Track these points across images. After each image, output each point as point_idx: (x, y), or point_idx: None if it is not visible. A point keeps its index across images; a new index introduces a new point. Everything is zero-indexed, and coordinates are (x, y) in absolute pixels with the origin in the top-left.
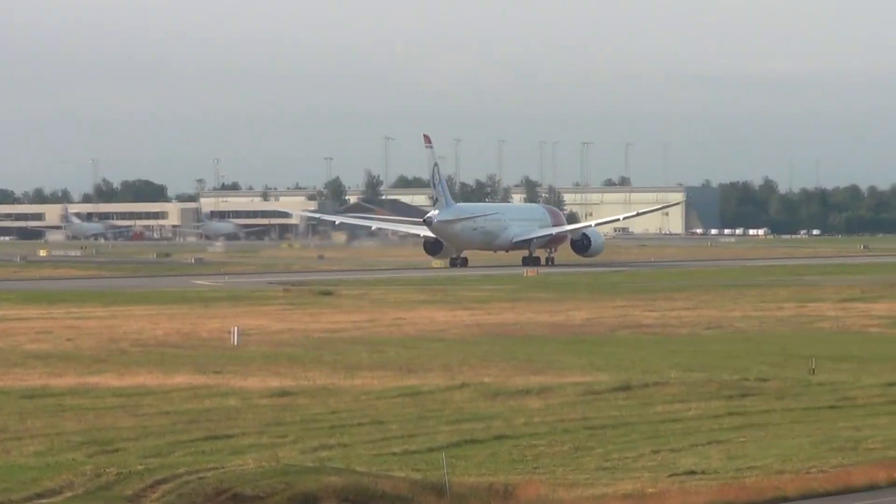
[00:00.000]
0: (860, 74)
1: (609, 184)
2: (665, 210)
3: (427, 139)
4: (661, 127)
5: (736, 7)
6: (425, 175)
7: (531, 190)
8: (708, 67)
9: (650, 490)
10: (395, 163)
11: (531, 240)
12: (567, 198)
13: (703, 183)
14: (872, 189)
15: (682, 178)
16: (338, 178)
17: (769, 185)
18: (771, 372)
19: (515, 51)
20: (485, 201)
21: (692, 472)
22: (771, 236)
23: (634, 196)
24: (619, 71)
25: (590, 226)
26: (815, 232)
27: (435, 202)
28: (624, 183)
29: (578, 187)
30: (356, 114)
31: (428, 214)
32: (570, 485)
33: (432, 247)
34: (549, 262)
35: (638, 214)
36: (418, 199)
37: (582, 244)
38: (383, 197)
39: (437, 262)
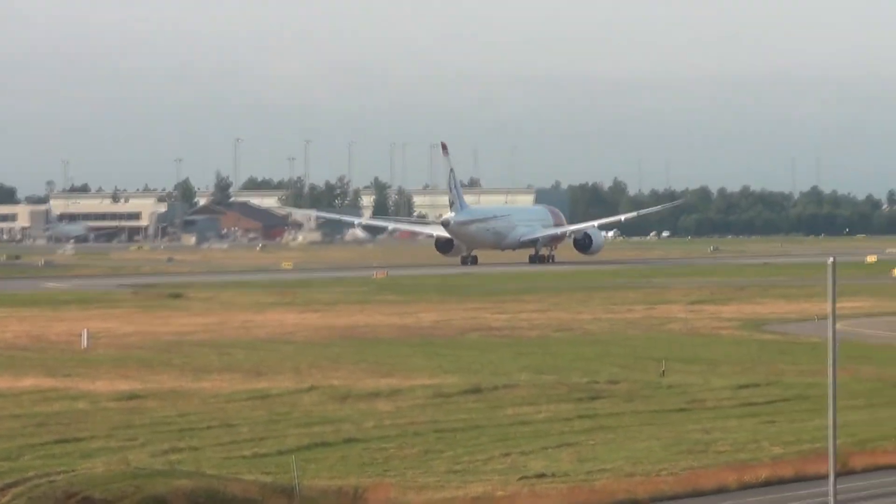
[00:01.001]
0: (708, 76)
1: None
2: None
3: (444, 148)
4: (510, 128)
5: (581, 7)
6: (276, 177)
7: (381, 192)
8: (556, 69)
9: (500, 493)
10: (245, 164)
11: (537, 239)
12: (417, 199)
13: (553, 184)
14: (722, 191)
15: (531, 180)
16: (187, 179)
17: (619, 187)
18: (621, 374)
19: (364, 52)
20: (335, 203)
21: (542, 475)
22: (621, 238)
23: (484, 198)
24: (467, 72)
25: (592, 226)
26: (665, 234)
27: (451, 205)
28: (474, 184)
29: (428, 189)
30: (206, 115)
31: (445, 216)
32: (420, 488)
33: (444, 246)
34: (550, 259)
35: (639, 215)
36: (268, 200)
37: (584, 243)
38: (233, 199)
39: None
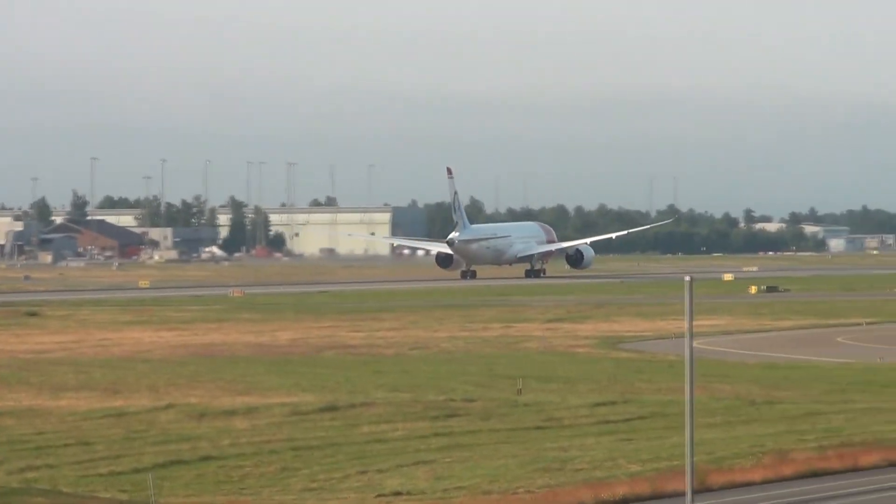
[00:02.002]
0: (567, 94)
1: (315, 204)
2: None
3: (449, 171)
4: (366, 147)
5: (441, 24)
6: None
7: (237, 210)
8: (414, 86)
9: None
10: (102, 183)
11: (532, 255)
12: (273, 218)
13: (410, 203)
14: (579, 209)
15: (388, 199)
16: (43, 198)
17: (475, 206)
18: (477, 392)
19: (220, 70)
20: (192, 222)
21: (398, 493)
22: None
23: (341, 216)
24: (323, 90)
25: (585, 243)
26: None
27: (455, 225)
28: (330, 203)
29: (285, 207)
30: (62, 134)
31: (450, 236)
32: None
33: (443, 261)
34: (542, 273)
35: (629, 233)
36: (125, 219)
37: (576, 258)
38: (89, 217)
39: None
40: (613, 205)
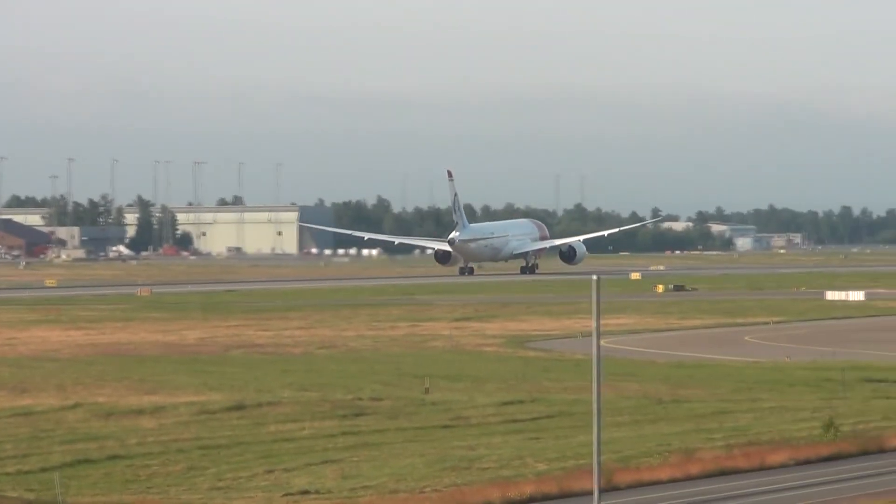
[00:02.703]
0: (475, 93)
1: (222, 203)
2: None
3: (450, 174)
4: (274, 146)
5: (345, 23)
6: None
7: (144, 209)
8: (321, 86)
9: None
10: (9, 182)
11: (528, 252)
12: (181, 217)
13: (317, 202)
14: (486, 208)
15: (295, 198)
16: None
17: (383, 205)
18: (385, 391)
19: (128, 69)
20: (99, 222)
21: (306, 492)
22: (385, 256)
23: (248, 215)
24: (230, 89)
25: (578, 240)
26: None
27: (455, 225)
28: (237, 202)
29: (192, 207)
30: None
31: (451, 235)
32: None
33: (442, 258)
34: (535, 268)
35: (620, 231)
36: (32, 218)
37: (569, 254)
38: None
39: None
40: (521, 203)
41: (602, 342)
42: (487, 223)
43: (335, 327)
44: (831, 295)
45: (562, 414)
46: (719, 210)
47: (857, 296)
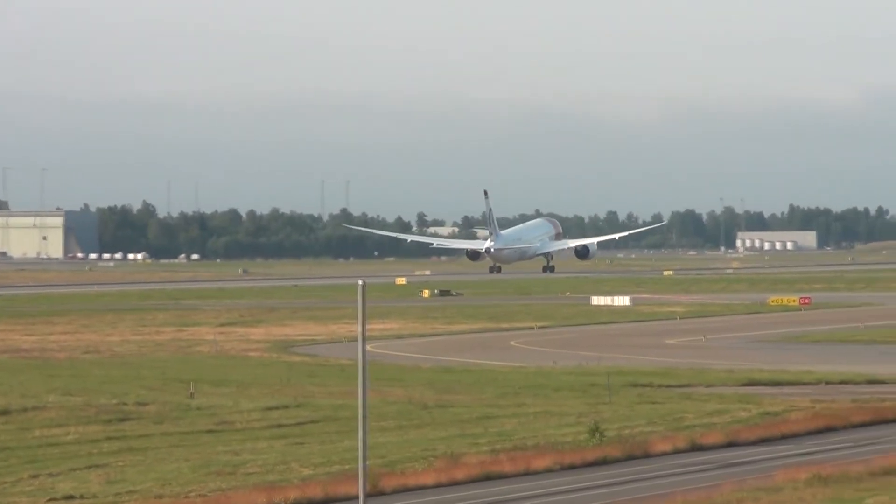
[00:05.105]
0: (238, 98)
1: None
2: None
3: (486, 193)
4: (39, 150)
5: (110, 28)
6: None
7: None
8: (85, 92)
9: None
10: None
11: (548, 253)
12: None
13: (83, 207)
14: (251, 213)
15: (61, 202)
16: None
17: (148, 210)
18: (150, 396)
19: None
20: None
21: (71, 497)
22: (150, 261)
23: (13, 220)
24: None
25: (593, 242)
26: (194, 256)
27: (490, 235)
28: (2, 207)
29: None
30: None
31: (486, 245)
32: None
33: (472, 256)
34: (553, 268)
35: (629, 235)
36: None
37: (583, 252)
38: None
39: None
40: (286, 208)
41: (368, 347)
42: (514, 229)
43: (100, 332)
44: (597, 300)
45: (327, 419)
46: (485, 215)
47: (623, 301)
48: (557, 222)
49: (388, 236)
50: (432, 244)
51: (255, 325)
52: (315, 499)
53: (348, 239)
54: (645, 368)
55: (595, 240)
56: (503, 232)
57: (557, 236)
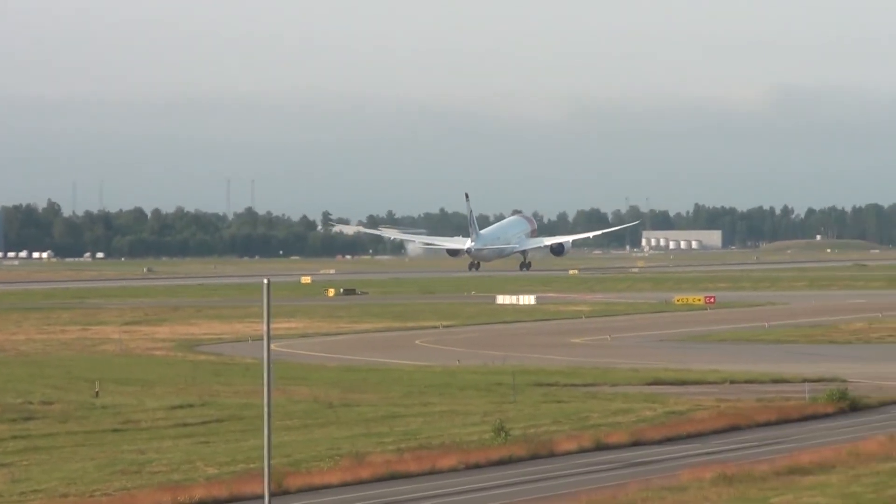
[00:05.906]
0: (144, 97)
1: None
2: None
3: (466, 196)
4: None
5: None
6: None
7: None
8: None
9: None
10: None
11: (525, 251)
12: None
13: None
14: (157, 212)
15: None
16: None
17: (53, 208)
18: (55, 395)
19: None
20: None
21: None
22: (55, 259)
23: None
24: None
25: (568, 240)
26: (99, 255)
27: (470, 235)
28: None
29: None
30: None
31: (468, 245)
32: None
33: (453, 254)
34: (530, 264)
35: (604, 233)
36: None
37: (558, 249)
38: None
39: None
40: (191, 207)
41: (273, 346)
42: (493, 228)
43: (4, 331)
44: (502, 299)
45: (232, 418)
46: (390, 214)
47: (529, 300)
48: (532, 219)
49: (370, 234)
50: (414, 241)
51: (160, 323)
52: (220, 498)
53: (253, 238)
54: (550, 367)
55: (570, 238)
56: (483, 231)
57: (533, 233)
